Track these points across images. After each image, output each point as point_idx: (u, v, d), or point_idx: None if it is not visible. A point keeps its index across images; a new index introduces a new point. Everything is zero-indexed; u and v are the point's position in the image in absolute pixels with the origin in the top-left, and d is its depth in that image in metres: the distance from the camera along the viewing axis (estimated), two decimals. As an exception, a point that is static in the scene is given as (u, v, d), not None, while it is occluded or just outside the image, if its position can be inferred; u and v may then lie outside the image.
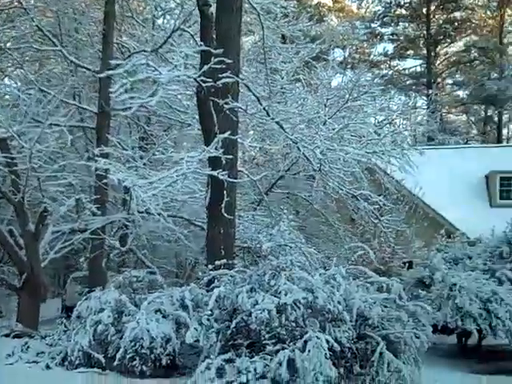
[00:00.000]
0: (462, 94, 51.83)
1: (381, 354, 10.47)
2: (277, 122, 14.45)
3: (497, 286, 17.38)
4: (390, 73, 51.79)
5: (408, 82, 51.48)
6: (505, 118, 51.67)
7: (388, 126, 21.91)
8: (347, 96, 18.52)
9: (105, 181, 15.59)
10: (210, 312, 10.64)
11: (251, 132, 19.52)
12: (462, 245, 20.41)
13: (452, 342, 19.11)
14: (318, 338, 9.43)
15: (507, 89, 47.52)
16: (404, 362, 10.93)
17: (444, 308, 16.93)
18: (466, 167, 28.96)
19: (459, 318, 16.70)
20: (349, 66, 43.65)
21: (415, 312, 11.91)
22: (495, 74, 48.59)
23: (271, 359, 9.55)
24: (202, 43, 13.01)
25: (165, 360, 11.68)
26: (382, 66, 51.87)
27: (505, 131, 52.72)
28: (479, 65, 49.61)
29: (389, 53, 51.36)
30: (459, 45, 50.92)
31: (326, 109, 18.45)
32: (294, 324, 9.93)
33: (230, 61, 12.31)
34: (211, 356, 10.18)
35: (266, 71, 17.02)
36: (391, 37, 51.47)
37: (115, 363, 11.75)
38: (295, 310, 9.91)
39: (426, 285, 18.22)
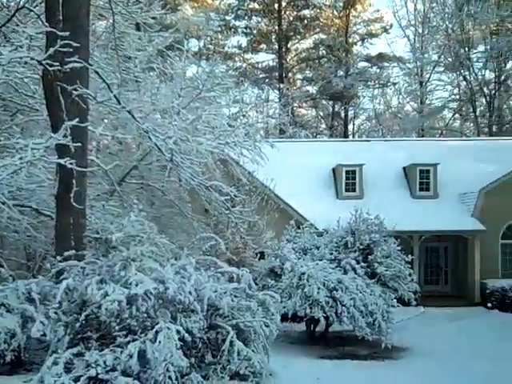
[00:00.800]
0: (311, 89, 53.72)
1: (231, 342, 10.59)
2: (128, 111, 14.11)
3: (342, 275, 18.28)
4: (244, 66, 52.60)
5: (261, 76, 52.55)
6: (350, 114, 54.20)
7: (241, 117, 22.22)
8: (201, 87, 18.51)
9: None
10: (57, 305, 10.23)
11: (106, 120, 18.95)
12: (310, 235, 21.19)
13: (302, 329, 19.82)
14: (168, 328, 9.35)
15: (352, 86, 49.88)
16: (254, 350, 11.12)
17: (294, 297, 17.52)
18: (315, 160, 30.05)
19: (308, 306, 17.37)
20: (203, 57, 43.77)
21: (265, 301, 12.14)
22: (341, 72, 50.75)
23: (122, 351, 9.35)
24: (47, 24, 12.36)
25: (9, 356, 11.07)
26: (236, 59, 52.53)
27: (350, 127, 55.36)
28: (327, 62, 51.60)
29: (242, 46, 52.12)
30: (309, 42, 52.74)
31: (180, 99, 18.32)
32: (145, 315, 9.78)
33: (78, 44, 11.82)
34: (59, 350, 9.80)
35: (118, 58, 16.56)
36: (245, 30, 52.23)
37: (-48, 363, 10.99)
38: (146, 301, 9.76)
39: (277, 274, 18.75)
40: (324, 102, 53.76)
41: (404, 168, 30.23)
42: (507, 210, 26.08)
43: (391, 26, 52.18)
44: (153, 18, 18.98)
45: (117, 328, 9.69)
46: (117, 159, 18.96)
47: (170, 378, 9.17)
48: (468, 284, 26.46)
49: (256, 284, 16.13)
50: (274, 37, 52.05)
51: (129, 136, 17.53)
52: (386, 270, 19.60)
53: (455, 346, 18.41)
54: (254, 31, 52.21)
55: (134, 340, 9.41)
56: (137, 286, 9.86)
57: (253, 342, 11.30)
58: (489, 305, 24.21)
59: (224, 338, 10.67)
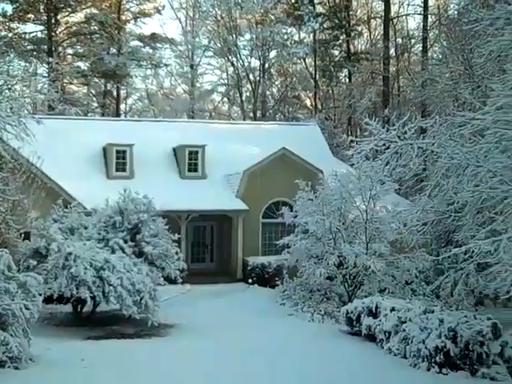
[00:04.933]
0: (82, 65, 52.14)
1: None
2: None
3: (110, 255, 18.33)
4: (10, 35, 49.36)
5: (29, 48, 49.77)
6: (123, 93, 53.69)
7: (6, 91, 21.01)
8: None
9: None
10: None
11: None
12: (78, 215, 20.82)
13: (69, 310, 19.49)
14: None
15: (125, 65, 49.41)
16: (12, 335, 10.80)
17: (60, 277, 17.20)
18: (85, 139, 29.41)
19: (74, 287, 17.19)
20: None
21: (26, 283, 11.80)
22: (114, 50, 49.99)
23: None
24: None
25: None
26: (0, 27, 49.12)
27: (123, 106, 54.86)
28: (99, 38, 50.37)
29: (8, 14, 48.86)
30: (80, 16, 50.95)
31: None
32: None
33: None
34: None
35: None
36: (11, -3, 48.94)
37: None
38: None
39: (43, 255, 18.23)
40: (96, 79, 52.53)
41: (174, 149, 30.76)
42: (268, 190, 27.72)
43: (164, 7, 52.42)
44: None
45: None
46: None
47: None
48: (232, 261, 27.74)
49: (19, 265, 15.61)
50: (42, 7, 49.48)
51: None
52: (154, 249, 19.92)
53: (218, 321, 19.36)
54: (21, -1, 49.17)
55: None
56: None
57: (11, 325, 10.98)
58: (250, 280, 25.62)
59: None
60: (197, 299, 22.65)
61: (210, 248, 29.47)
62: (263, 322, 19.45)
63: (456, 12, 36.48)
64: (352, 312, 17.81)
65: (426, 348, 14.38)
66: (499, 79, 16.52)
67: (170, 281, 20.16)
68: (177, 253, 20.56)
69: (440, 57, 36.25)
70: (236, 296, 23.43)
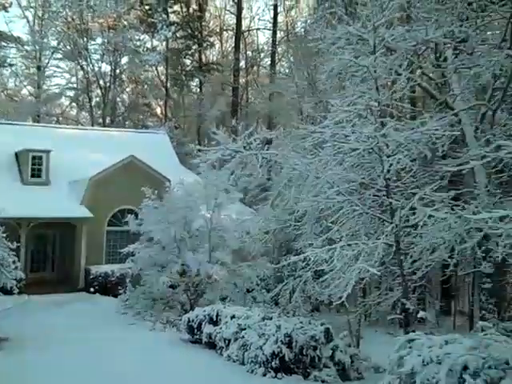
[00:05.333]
0: None
1: None
2: None
3: None
4: None
5: None
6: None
7: None
8: None
9: None
10: None
11: None
12: None
13: None
14: None
15: None
16: None
17: None
18: None
19: None
20: None
21: None
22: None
23: None
24: None
25: None
26: None
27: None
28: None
29: None
30: None
31: None
32: None
33: None
34: None
35: None
36: None
37: None
38: None
39: None
40: None
41: (16, 153, 29.50)
42: (114, 198, 27.30)
43: (11, 4, 50.04)
44: None
45: None
46: None
47: None
48: (74, 270, 26.93)
49: None
50: None
51: None
52: (-15, 259, 18.92)
53: (56, 333, 18.67)
54: None
55: None
56: None
57: None
58: (92, 289, 25.07)
59: None
60: (35, 310, 21.75)
61: (53, 256, 28.45)
62: (104, 332, 19.03)
63: (303, 30, 38.03)
64: (193, 320, 17.88)
65: (263, 354, 14.76)
66: (338, 95, 17.46)
67: (6, 291, 19.21)
68: (14, 262, 19.64)
69: (287, 71, 37.65)
70: (76, 306, 22.76)
